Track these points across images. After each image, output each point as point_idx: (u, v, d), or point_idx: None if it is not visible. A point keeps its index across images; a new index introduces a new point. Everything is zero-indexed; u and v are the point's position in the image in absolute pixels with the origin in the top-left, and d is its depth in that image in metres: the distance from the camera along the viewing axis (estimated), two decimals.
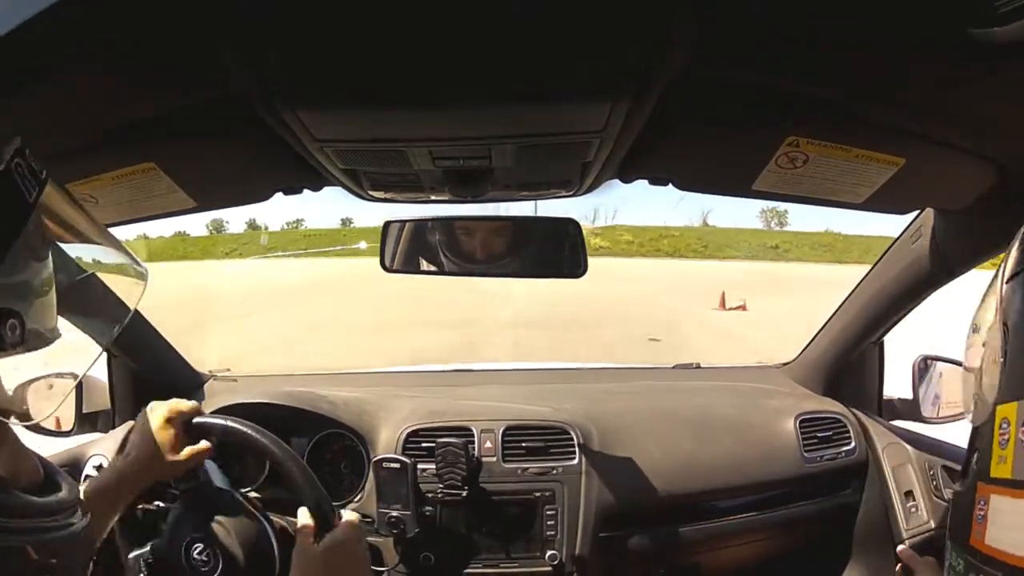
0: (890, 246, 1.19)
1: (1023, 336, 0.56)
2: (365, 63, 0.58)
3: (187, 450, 0.94)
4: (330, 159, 0.76)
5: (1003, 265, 0.57)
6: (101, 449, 1.39)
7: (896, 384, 1.46)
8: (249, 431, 0.94)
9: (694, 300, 14.19)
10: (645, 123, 0.69)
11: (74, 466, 1.36)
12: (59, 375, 1.42)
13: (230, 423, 0.95)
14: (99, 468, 1.36)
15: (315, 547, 0.84)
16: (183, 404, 0.96)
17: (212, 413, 1.29)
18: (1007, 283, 0.57)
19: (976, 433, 0.66)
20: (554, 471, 1.26)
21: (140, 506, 1.06)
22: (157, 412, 0.94)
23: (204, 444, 0.95)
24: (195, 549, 0.90)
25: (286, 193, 0.92)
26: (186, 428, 0.95)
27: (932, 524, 1.23)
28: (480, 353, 7.92)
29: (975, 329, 0.65)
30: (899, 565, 1.02)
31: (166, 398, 1.47)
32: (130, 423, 1.42)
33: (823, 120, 0.71)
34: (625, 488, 1.29)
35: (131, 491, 0.90)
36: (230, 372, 1.70)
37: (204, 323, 9.80)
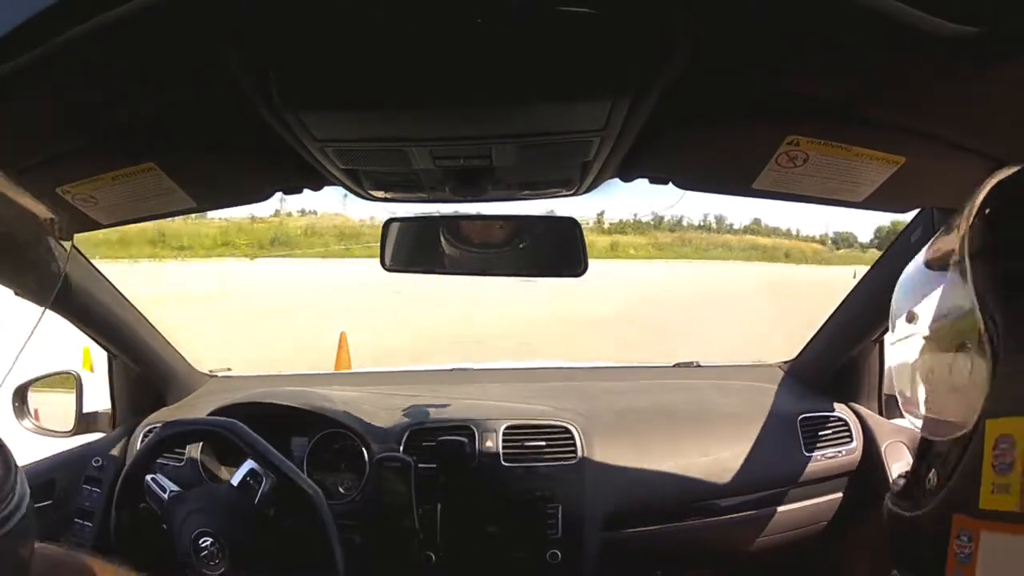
0: (890, 244, 1.19)
1: None
2: (366, 64, 0.58)
3: None
4: (330, 159, 0.76)
5: (961, 238, 0.47)
6: (102, 450, 1.39)
7: None
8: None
9: None
10: (645, 122, 0.69)
11: (75, 466, 1.36)
12: (57, 373, 1.43)
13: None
14: (100, 468, 1.36)
15: None
16: None
17: (210, 413, 1.30)
18: (974, 258, 0.47)
19: (930, 447, 0.55)
20: (555, 470, 1.26)
21: (142, 505, 1.06)
22: None
23: None
24: (203, 541, 0.90)
25: (286, 192, 0.92)
26: None
27: None
28: None
29: (910, 319, 0.54)
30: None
31: (165, 397, 1.47)
32: (135, 422, 1.42)
33: (823, 119, 0.71)
34: (626, 487, 1.29)
35: None
36: (230, 371, 1.70)
37: None
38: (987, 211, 0.50)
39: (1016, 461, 0.40)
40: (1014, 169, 0.51)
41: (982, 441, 0.43)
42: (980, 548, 0.42)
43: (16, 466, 0.45)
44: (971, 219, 0.49)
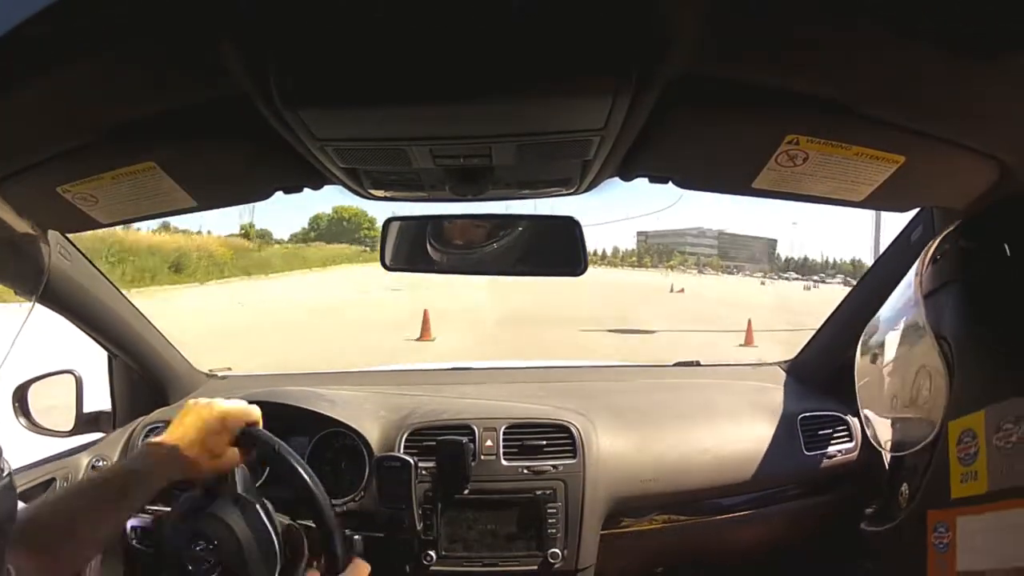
0: (891, 244, 1.19)
1: (974, 346, 0.55)
2: (365, 62, 0.58)
3: (231, 452, 0.90)
4: (330, 158, 0.76)
5: (916, 280, 0.56)
6: (102, 450, 1.40)
7: None
8: (293, 462, 0.93)
9: None
10: (645, 121, 0.69)
11: (75, 466, 1.36)
12: (56, 373, 1.42)
13: (280, 449, 0.94)
14: (100, 468, 1.36)
15: None
16: (247, 411, 0.93)
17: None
18: (927, 298, 0.57)
19: (900, 466, 0.63)
20: (555, 469, 1.27)
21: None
22: (211, 409, 0.90)
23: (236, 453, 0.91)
24: (199, 546, 0.90)
25: (286, 192, 0.93)
26: (238, 432, 0.91)
27: None
28: None
29: (873, 359, 0.65)
30: None
31: (165, 397, 1.47)
32: (136, 422, 1.42)
33: (823, 118, 0.71)
34: (626, 486, 1.29)
35: (154, 484, 0.84)
36: (230, 371, 1.70)
37: None
38: (937, 258, 0.64)
39: (979, 450, 0.47)
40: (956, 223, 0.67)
41: (947, 442, 0.49)
42: (957, 533, 0.47)
43: None
44: (924, 267, 0.61)
